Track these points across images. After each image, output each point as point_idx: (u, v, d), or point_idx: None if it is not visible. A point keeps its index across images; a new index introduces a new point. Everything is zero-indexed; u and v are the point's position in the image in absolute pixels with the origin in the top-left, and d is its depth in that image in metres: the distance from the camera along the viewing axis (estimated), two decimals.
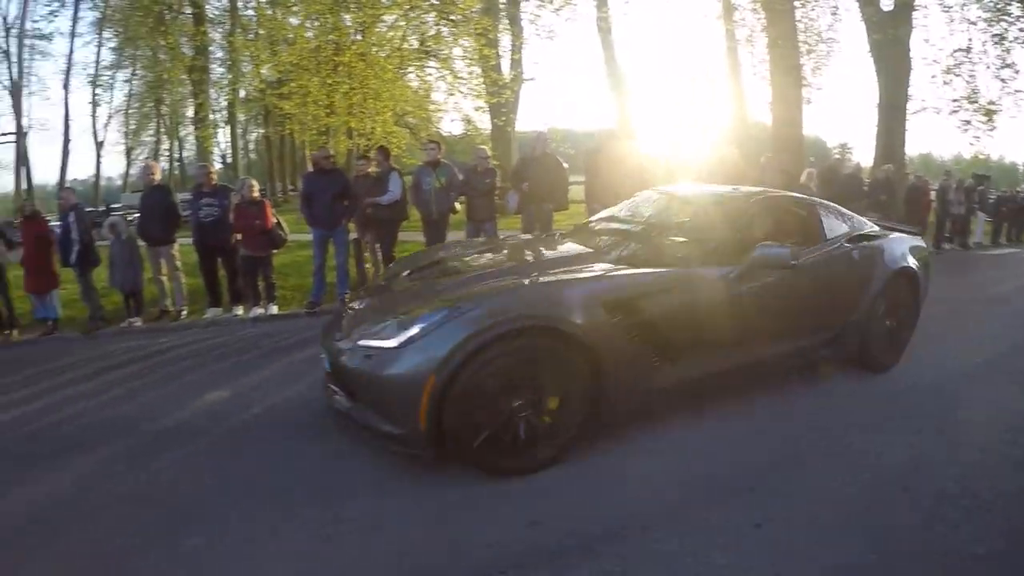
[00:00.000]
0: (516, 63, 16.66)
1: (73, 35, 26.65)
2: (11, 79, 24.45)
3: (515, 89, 16.20)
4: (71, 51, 37.41)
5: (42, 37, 24.31)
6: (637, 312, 3.01)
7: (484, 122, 15.47)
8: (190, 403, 4.14)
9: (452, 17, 13.59)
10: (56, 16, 26.08)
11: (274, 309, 6.89)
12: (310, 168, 8.26)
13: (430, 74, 13.98)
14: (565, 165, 7.25)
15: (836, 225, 4.28)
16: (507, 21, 16.68)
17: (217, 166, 8.05)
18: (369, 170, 7.25)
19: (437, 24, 14.02)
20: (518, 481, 2.83)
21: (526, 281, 3.03)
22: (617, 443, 3.18)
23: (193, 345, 5.81)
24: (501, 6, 16.66)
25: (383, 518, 2.62)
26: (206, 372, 4.95)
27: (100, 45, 25.39)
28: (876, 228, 4.59)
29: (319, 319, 6.06)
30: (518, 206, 7.07)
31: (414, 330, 2.75)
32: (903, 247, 4.49)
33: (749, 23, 14.97)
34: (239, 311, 6.85)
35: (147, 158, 29.46)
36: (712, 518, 2.52)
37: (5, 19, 25.13)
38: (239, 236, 6.57)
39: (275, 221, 6.63)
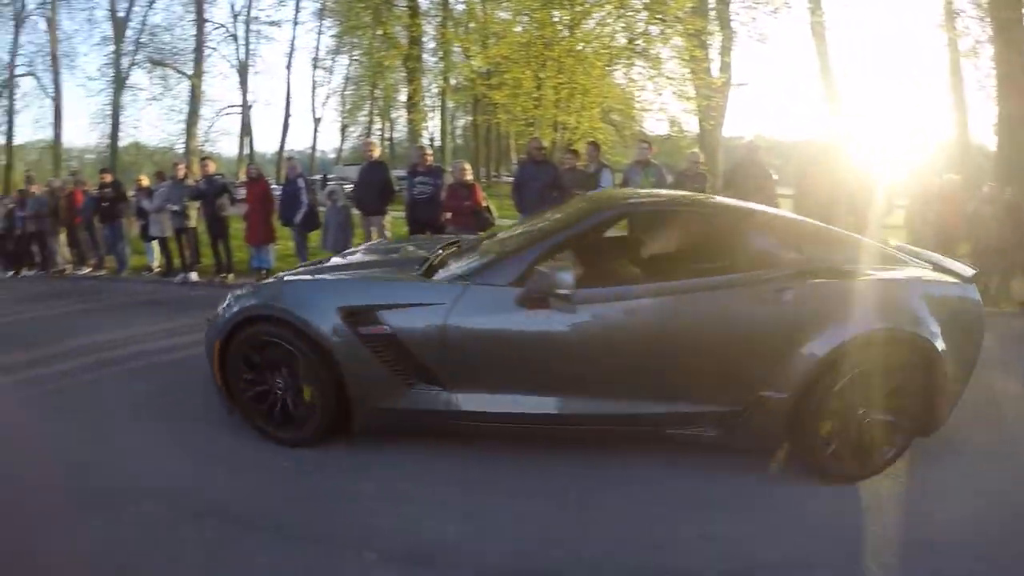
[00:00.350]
0: (726, 66, 15.76)
1: (295, 23, 29.86)
2: (238, 59, 28.01)
3: (725, 93, 15.34)
4: (293, 37, 42.59)
5: (273, 24, 27.49)
6: (377, 322, 2.83)
7: (690, 124, 14.99)
8: None
9: (662, 16, 13.18)
10: (284, 5, 29.34)
11: None
12: (514, 156, 8.36)
13: (639, 73, 13.70)
14: (774, 177, 6.85)
15: (781, 250, 2.85)
16: (717, 23, 15.85)
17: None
18: (577, 163, 7.20)
19: (647, 23, 13.69)
20: (694, 492, 2.73)
21: (329, 276, 3.27)
22: (800, 479, 2.86)
23: None
24: (711, 7, 15.85)
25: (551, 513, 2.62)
26: None
27: (320, 33, 28.23)
28: (891, 262, 2.95)
29: None
30: None
31: (228, 300, 3.20)
32: (908, 294, 2.76)
33: (974, 32, 13.00)
34: None
35: (360, 136, 32.33)
36: (885, 571, 2.29)
37: (233, 6, 29.03)
38: (448, 214, 6.77)
39: (484, 204, 6.74)
